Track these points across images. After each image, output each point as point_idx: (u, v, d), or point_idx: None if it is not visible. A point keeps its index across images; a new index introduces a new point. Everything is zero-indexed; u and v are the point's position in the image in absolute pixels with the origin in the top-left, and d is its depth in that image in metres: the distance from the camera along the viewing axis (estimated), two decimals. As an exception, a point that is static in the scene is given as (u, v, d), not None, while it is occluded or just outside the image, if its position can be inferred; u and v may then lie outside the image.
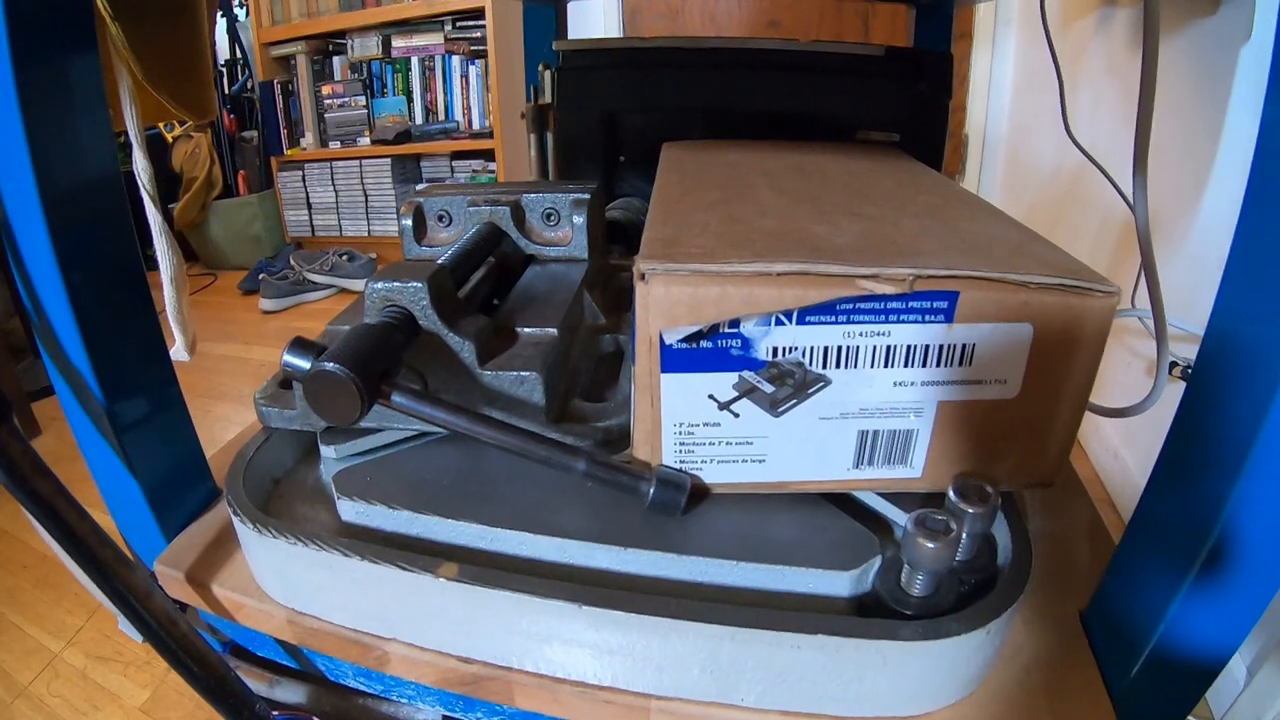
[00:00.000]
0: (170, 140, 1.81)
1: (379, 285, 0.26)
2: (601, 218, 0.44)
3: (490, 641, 0.22)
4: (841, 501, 0.26)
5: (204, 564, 0.29)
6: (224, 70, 1.83)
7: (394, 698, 0.28)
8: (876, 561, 0.22)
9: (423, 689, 0.27)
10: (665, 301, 0.22)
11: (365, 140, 1.71)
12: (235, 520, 0.26)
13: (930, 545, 0.20)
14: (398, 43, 1.61)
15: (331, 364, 0.22)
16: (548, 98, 0.71)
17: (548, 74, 0.71)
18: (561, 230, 0.40)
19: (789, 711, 0.21)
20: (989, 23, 1.32)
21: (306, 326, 1.43)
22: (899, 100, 0.56)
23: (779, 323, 0.22)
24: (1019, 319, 0.22)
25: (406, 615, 0.23)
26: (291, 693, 0.32)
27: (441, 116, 1.67)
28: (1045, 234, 0.26)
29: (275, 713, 0.31)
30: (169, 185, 1.82)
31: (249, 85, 1.80)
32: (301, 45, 1.70)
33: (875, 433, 0.24)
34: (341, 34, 1.66)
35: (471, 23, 1.55)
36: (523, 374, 0.27)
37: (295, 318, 1.63)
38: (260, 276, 1.65)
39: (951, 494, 0.22)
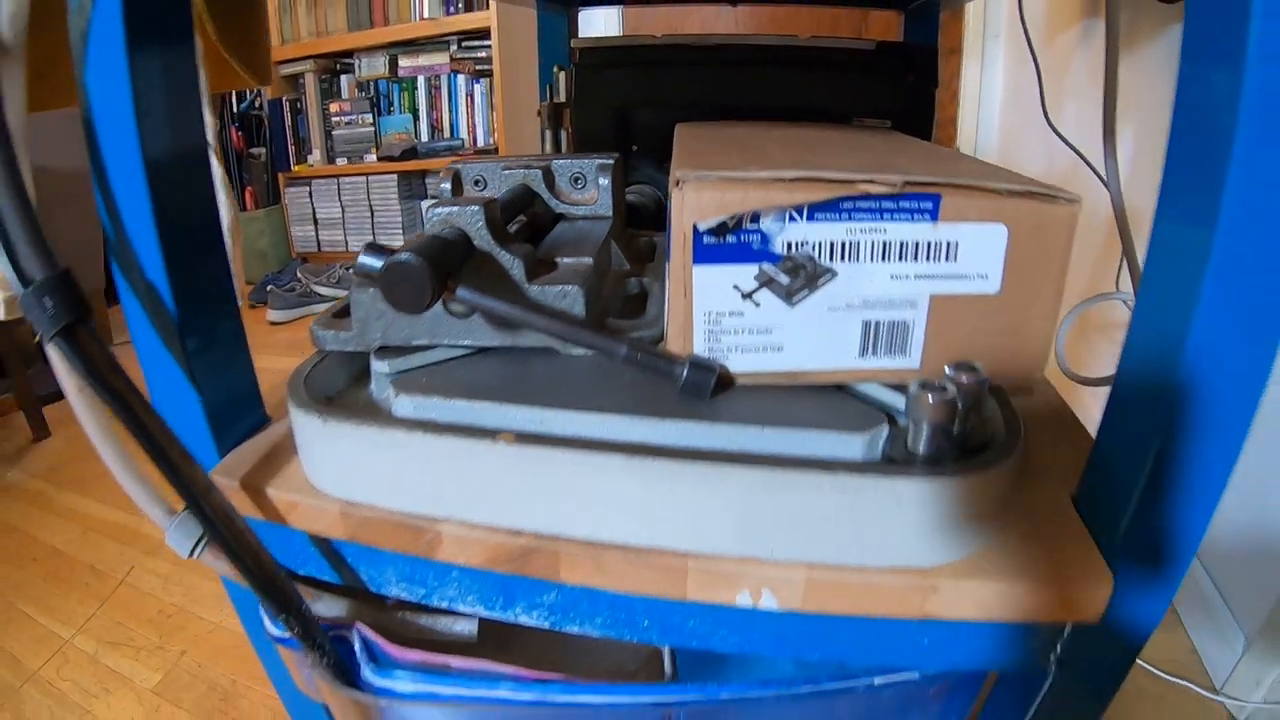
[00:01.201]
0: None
1: (440, 210, 0.30)
2: (623, 184, 0.49)
3: (540, 511, 0.26)
4: (850, 392, 0.29)
5: (257, 472, 0.31)
6: (232, 90, 1.90)
7: (434, 602, 0.31)
8: (885, 429, 0.26)
9: (464, 587, 0.30)
10: (697, 204, 0.26)
11: (372, 157, 1.77)
12: (297, 417, 0.29)
13: (931, 399, 0.24)
14: (404, 62, 1.69)
15: (407, 255, 0.26)
16: (561, 97, 0.77)
17: (562, 75, 0.77)
18: (588, 192, 0.44)
19: (813, 563, 0.24)
20: (978, 37, 1.40)
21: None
22: (890, 90, 0.62)
23: (792, 219, 0.26)
24: (994, 220, 0.26)
25: (461, 491, 0.26)
26: (332, 608, 0.35)
27: (447, 134, 1.74)
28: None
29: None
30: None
31: (257, 104, 1.88)
32: (310, 64, 1.78)
33: (877, 323, 0.28)
34: (349, 53, 1.74)
35: (477, 43, 1.63)
36: (566, 288, 0.31)
37: (302, 329, 1.67)
38: (268, 288, 1.70)
39: (947, 369, 0.26)
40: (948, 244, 0.27)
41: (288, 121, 1.83)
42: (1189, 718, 0.65)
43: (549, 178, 0.44)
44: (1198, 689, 0.67)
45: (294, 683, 0.39)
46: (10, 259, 0.25)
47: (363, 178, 1.76)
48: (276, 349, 1.57)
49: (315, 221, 1.91)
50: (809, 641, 0.27)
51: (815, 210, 0.26)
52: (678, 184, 0.26)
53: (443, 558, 0.27)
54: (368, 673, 0.29)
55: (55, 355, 0.26)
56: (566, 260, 0.34)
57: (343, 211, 1.86)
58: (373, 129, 1.74)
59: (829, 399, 0.28)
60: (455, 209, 0.30)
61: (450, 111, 1.70)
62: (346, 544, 0.31)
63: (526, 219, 0.42)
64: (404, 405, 0.29)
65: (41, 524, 1.03)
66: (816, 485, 0.23)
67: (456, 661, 0.29)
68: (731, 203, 0.26)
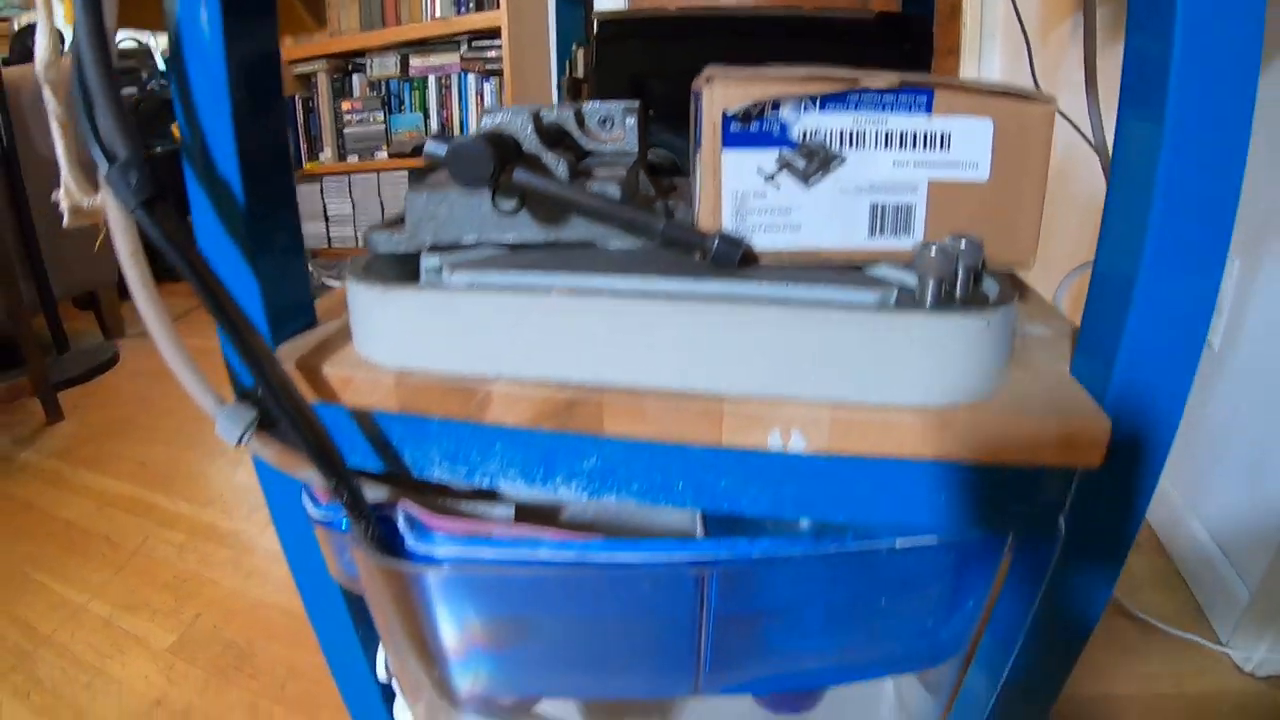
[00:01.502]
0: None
1: (492, 118, 0.34)
2: (646, 128, 0.53)
3: (586, 361, 0.28)
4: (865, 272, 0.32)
5: (312, 356, 0.33)
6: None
7: (476, 480, 0.34)
8: (895, 291, 0.29)
9: (506, 459, 0.32)
10: (725, 95, 0.29)
11: (383, 154, 1.82)
12: (357, 293, 0.32)
13: (933, 253, 0.27)
14: (415, 62, 1.75)
15: (470, 137, 0.29)
16: (580, 72, 0.81)
17: (580, 51, 0.81)
18: (615, 132, 0.48)
19: (836, 401, 0.27)
20: (975, 37, 1.46)
21: None
22: (889, 58, 0.66)
23: (806, 109, 0.30)
24: (981, 114, 0.30)
25: (512, 347, 0.29)
26: (375, 494, 0.37)
27: (457, 132, 1.80)
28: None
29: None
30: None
31: (270, 104, 1.93)
32: (323, 64, 1.83)
33: (883, 206, 0.31)
34: (361, 53, 1.80)
35: (487, 42, 1.68)
36: (605, 185, 0.34)
37: (309, 321, 1.71)
38: (277, 280, 1.73)
39: (949, 238, 0.29)
40: (941, 134, 0.30)
41: (300, 120, 1.88)
42: (1197, 670, 0.67)
43: (580, 119, 0.47)
44: (1204, 642, 0.69)
45: (321, 579, 0.41)
46: (97, 140, 0.28)
47: (374, 174, 1.81)
48: (286, 340, 1.61)
49: (326, 218, 1.95)
50: (832, 500, 0.30)
51: (825, 101, 0.30)
52: (709, 80, 0.30)
53: (491, 419, 0.30)
54: (411, 541, 0.31)
55: (121, 235, 0.29)
56: (603, 170, 0.37)
57: (353, 208, 1.90)
58: (384, 127, 1.80)
59: (845, 274, 0.31)
60: (506, 116, 0.34)
61: (460, 110, 1.76)
62: (394, 421, 0.33)
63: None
64: (459, 279, 0.32)
65: (56, 500, 1.05)
66: (838, 322, 0.26)
67: (498, 529, 0.31)
68: (754, 93, 0.29)
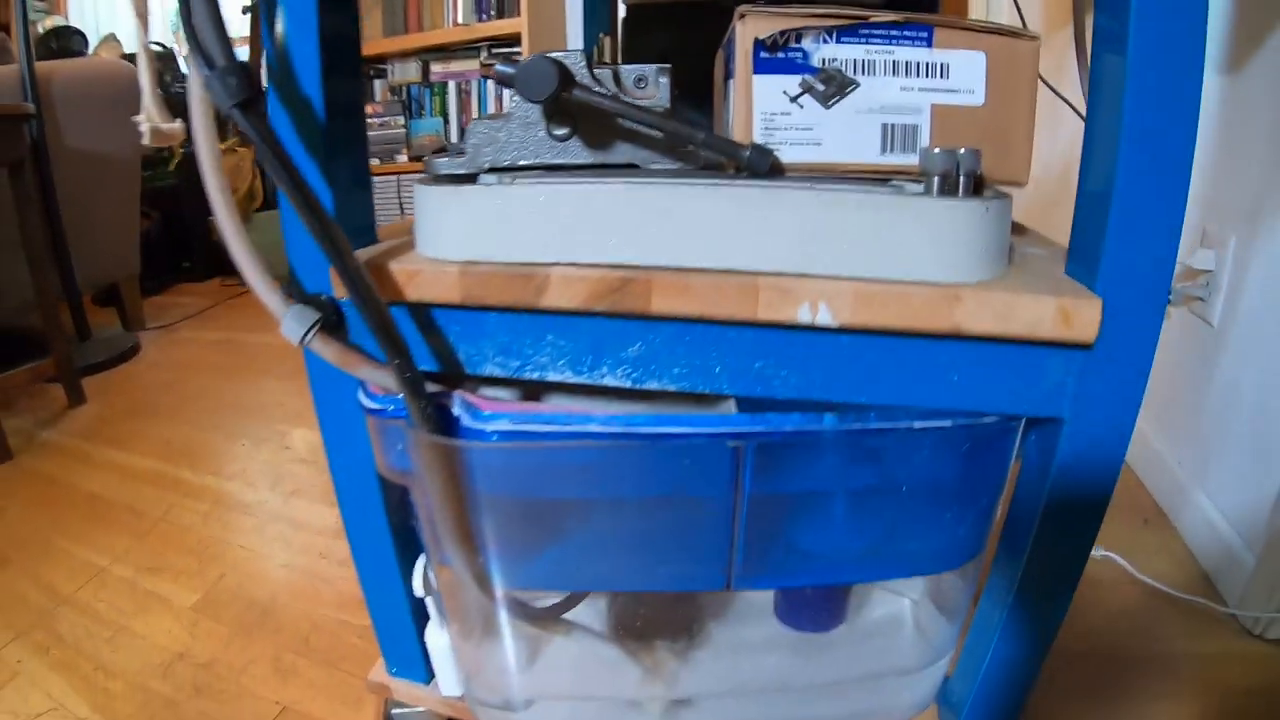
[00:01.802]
0: (213, 159, 1.99)
1: (550, 54, 0.39)
2: (676, 90, 0.58)
3: (637, 244, 0.33)
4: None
5: (379, 257, 0.38)
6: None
7: (527, 374, 0.38)
8: (904, 186, 0.33)
9: (556, 352, 0.36)
10: (755, 27, 0.34)
11: (403, 157, 1.89)
12: (425, 194, 0.36)
13: (938, 153, 0.31)
14: (436, 68, 1.82)
15: (538, 57, 0.34)
16: (606, 59, 0.87)
17: (607, 40, 0.87)
18: (649, 90, 0.53)
19: (859, 277, 0.31)
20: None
21: None
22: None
23: (824, 40, 0.34)
24: (975, 48, 0.35)
25: (570, 234, 0.33)
26: (431, 388, 0.40)
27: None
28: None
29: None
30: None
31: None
32: (347, 71, 1.91)
33: (893, 125, 0.35)
34: (383, 58, 1.88)
35: (507, 49, 1.76)
36: (652, 104, 0.38)
37: (326, 317, 1.76)
38: (296, 277, 1.79)
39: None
40: (941, 64, 0.35)
41: (320, 125, 1.95)
42: (1207, 633, 0.69)
43: (616, 78, 0.52)
44: (1213, 605, 0.71)
45: (363, 486, 0.44)
46: (197, 48, 0.32)
47: (394, 177, 1.88)
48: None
49: (341, 222, 2.02)
50: (856, 381, 0.34)
51: (841, 34, 0.35)
52: (741, 15, 0.35)
53: (548, 303, 0.34)
54: (467, 420, 0.35)
55: (203, 139, 0.33)
56: (645, 102, 0.42)
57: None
58: (404, 131, 1.87)
59: (862, 179, 0.35)
60: (559, 53, 0.38)
61: (480, 115, 1.83)
62: (452, 318, 0.37)
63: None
64: (519, 185, 0.36)
65: (79, 474, 1.09)
66: (857, 205, 0.30)
67: (549, 407, 0.35)
68: (780, 24, 0.34)
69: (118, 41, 2.22)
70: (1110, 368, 0.33)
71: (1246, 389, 0.74)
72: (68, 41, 2.08)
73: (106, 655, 0.72)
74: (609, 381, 0.36)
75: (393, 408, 0.37)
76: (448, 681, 0.52)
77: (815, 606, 0.46)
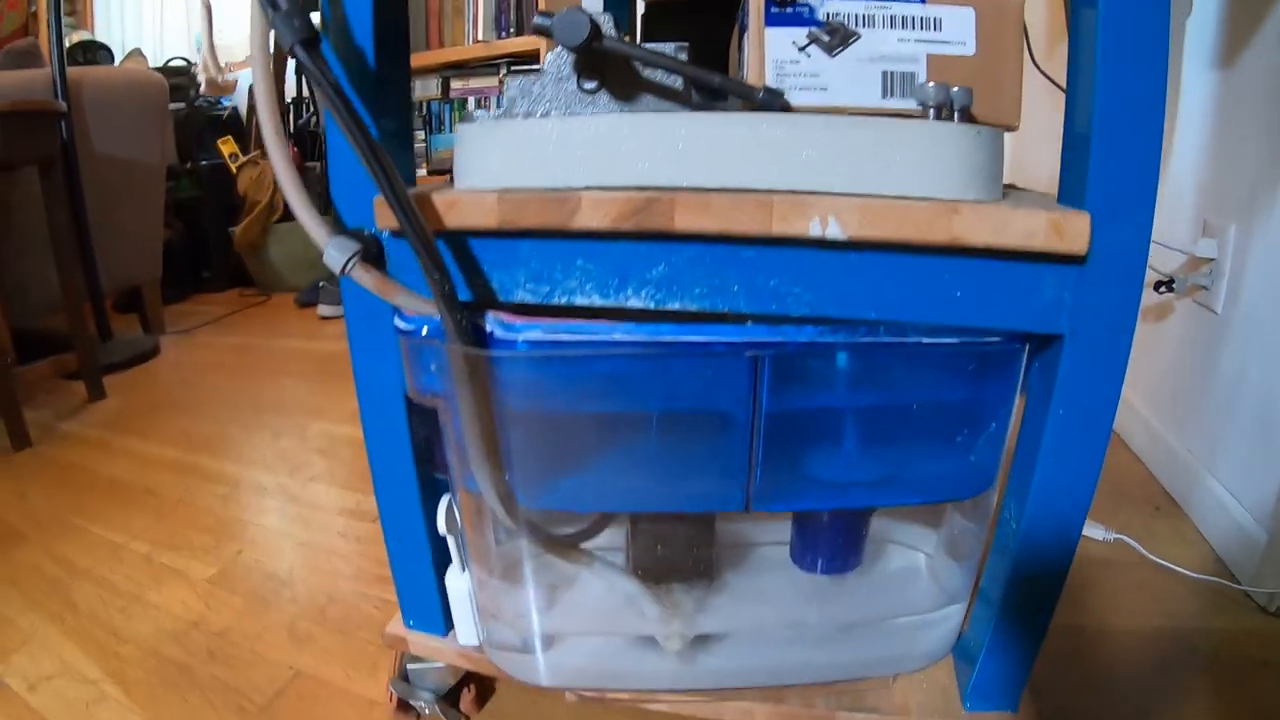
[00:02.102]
0: (235, 170, 2.07)
1: (584, 3, 0.42)
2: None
3: (662, 167, 0.36)
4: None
5: (420, 192, 0.41)
6: (291, 106, 2.12)
7: (555, 299, 0.40)
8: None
9: (584, 276, 0.39)
10: (769, -19, 0.38)
11: (422, 171, 1.96)
12: (467, 129, 0.40)
13: (932, 87, 0.34)
14: (456, 84, 1.90)
15: (574, 9, 0.38)
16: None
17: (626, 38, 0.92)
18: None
19: (865, 193, 0.34)
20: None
21: None
22: None
23: (830, -4, 0.38)
24: (963, 4, 0.38)
25: (599, 160, 0.36)
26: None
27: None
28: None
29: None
30: (233, 209, 2.07)
31: (313, 122, 2.09)
32: (368, 88, 1.99)
33: (892, 73, 0.39)
34: (406, 78, 1.96)
35: (525, 67, 1.83)
36: (676, 54, 0.42)
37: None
38: (320, 284, 1.84)
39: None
40: (934, 19, 0.39)
41: (341, 139, 2.03)
42: (1221, 610, 0.70)
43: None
44: (1227, 583, 0.72)
45: (390, 413, 0.47)
46: None
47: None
48: (327, 338, 1.71)
49: (358, 234, 2.07)
50: (865, 297, 0.36)
51: (845, -11, 0.38)
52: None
53: (579, 224, 0.37)
54: (499, 332, 0.38)
55: (261, 78, 0.37)
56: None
57: (385, 224, 2.03)
58: (424, 145, 1.94)
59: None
60: (593, 11, 0.42)
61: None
62: (487, 246, 0.40)
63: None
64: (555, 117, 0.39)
65: (98, 460, 1.12)
66: (862, 126, 0.33)
67: (578, 321, 0.38)
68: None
69: (143, 56, 2.33)
70: (1104, 282, 0.35)
71: (1252, 372, 0.76)
72: (94, 55, 2.18)
73: (120, 623, 0.73)
74: (634, 303, 0.39)
75: (426, 329, 0.40)
76: (466, 631, 0.54)
77: (831, 549, 0.48)
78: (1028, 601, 0.43)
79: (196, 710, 0.61)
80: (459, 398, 0.38)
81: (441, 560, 0.53)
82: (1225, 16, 0.81)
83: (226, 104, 2.31)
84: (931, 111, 0.35)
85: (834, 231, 0.34)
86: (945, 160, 0.34)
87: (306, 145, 2.10)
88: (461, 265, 0.42)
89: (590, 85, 0.43)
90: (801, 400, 0.38)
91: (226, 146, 2.08)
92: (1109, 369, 0.37)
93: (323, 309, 1.83)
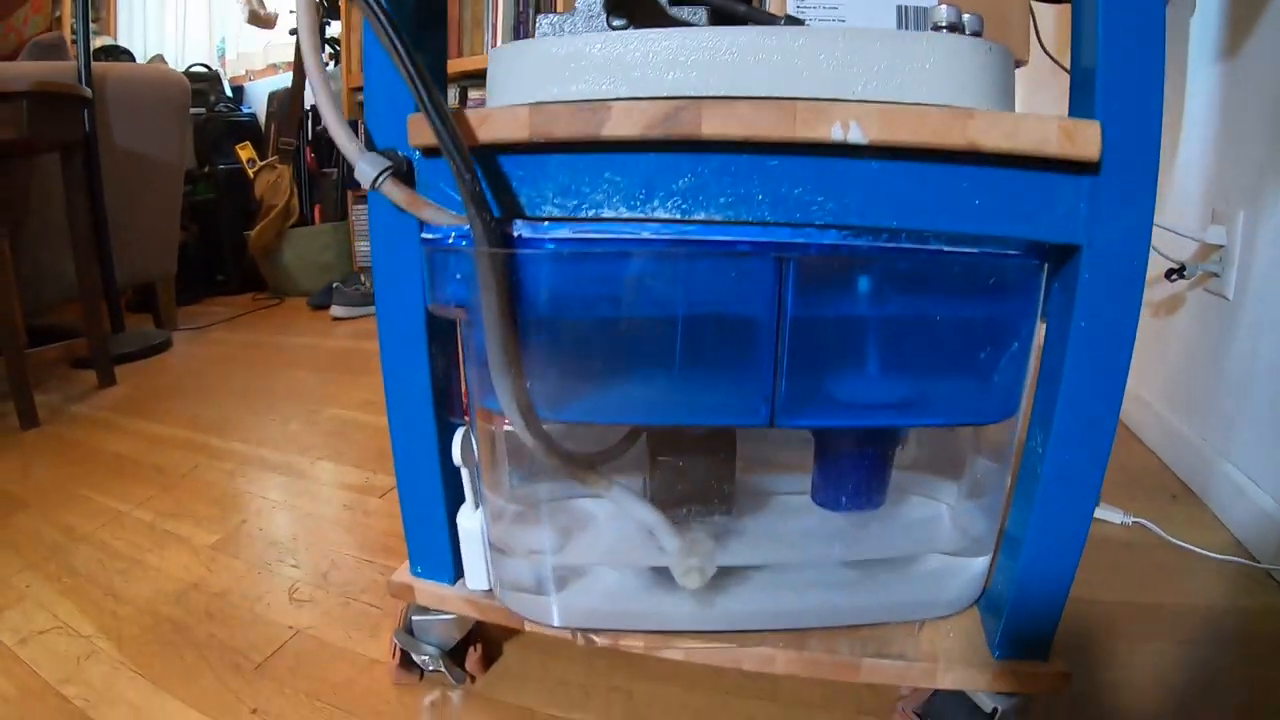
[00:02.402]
0: (252, 175, 2.11)
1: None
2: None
3: (690, 76, 0.37)
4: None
5: (454, 112, 0.43)
6: (309, 113, 2.18)
7: (583, 212, 0.41)
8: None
9: (611, 189, 0.40)
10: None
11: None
12: (498, 53, 0.41)
13: (945, 7, 0.36)
14: (474, 94, 1.95)
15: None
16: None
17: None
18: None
19: (884, 100, 0.35)
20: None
21: (374, 346, 1.61)
22: None
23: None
24: None
25: (629, 71, 0.38)
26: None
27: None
28: None
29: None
30: (249, 214, 2.10)
31: (331, 132, 2.15)
32: (386, 96, 2.04)
33: (907, 7, 0.41)
34: (424, 88, 2.01)
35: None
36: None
37: (365, 327, 1.81)
38: (334, 286, 1.86)
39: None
40: None
41: (362, 141, 2.07)
42: (1245, 590, 0.69)
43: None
44: (1248, 562, 0.71)
45: (413, 326, 0.47)
46: None
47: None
48: (341, 336, 1.73)
49: (372, 239, 2.11)
50: (886, 204, 0.37)
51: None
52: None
53: (609, 131, 0.38)
54: (527, 233, 0.39)
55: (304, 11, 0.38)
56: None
57: (398, 230, 2.07)
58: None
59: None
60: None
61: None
62: (516, 163, 0.41)
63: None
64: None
65: (106, 439, 1.12)
66: (879, 38, 0.35)
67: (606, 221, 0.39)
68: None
69: (164, 62, 2.40)
70: (1118, 193, 0.36)
71: (1265, 353, 0.76)
72: (117, 59, 2.25)
73: (119, 584, 0.73)
74: (660, 215, 0.40)
75: (453, 236, 0.41)
76: (476, 574, 0.53)
77: (853, 484, 0.48)
78: (1056, 536, 0.43)
79: (191, 666, 0.61)
80: (483, 303, 0.39)
81: (453, 502, 0.53)
82: (1227, 11, 0.83)
83: (246, 111, 2.38)
84: (945, 29, 0.36)
85: (855, 135, 0.35)
86: (961, 71, 0.35)
87: (324, 151, 2.15)
88: (490, 182, 0.43)
89: (619, 23, 0.45)
90: (826, 308, 0.38)
91: (244, 152, 2.13)
92: (1128, 280, 0.37)
93: (336, 310, 1.85)
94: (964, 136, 0.35)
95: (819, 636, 0.48)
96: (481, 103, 1.97)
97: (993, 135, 0.35)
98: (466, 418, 0.49)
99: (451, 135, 0.38)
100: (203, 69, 2.33)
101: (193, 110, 1.92)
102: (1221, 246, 0.83)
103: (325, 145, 2.16)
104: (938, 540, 0.49)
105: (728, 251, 0.37)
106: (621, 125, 0.38)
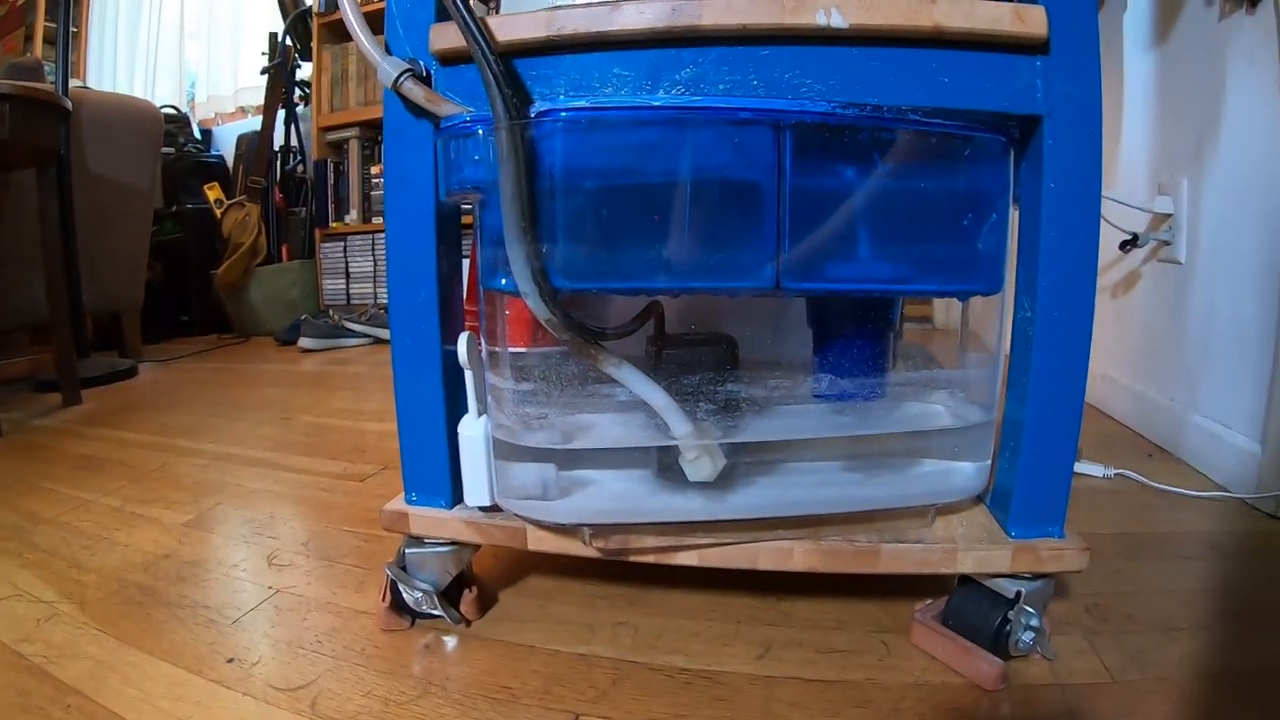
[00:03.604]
0: (219, 214, 2.14)
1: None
2: None
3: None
4: None
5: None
6: (279, 154, 2.23)
7: (594, 102, 0.45)
8: None
9: (619, 81, 0.44)
10: None
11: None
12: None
13: None
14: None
15: None
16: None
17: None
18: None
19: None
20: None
21: (346, 370, 1.63)
22: None
23: None
24: None
25: None
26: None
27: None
28: None
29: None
30: (216, 250, 2.12)
31: (299, 169, 2.20)
32: (355, 130, 2.13)
33: None
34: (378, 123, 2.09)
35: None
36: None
37: (335, 356, 1.81)
38: (303, 318, 1.87)
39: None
40: None
41: (330, 182, 2.14)
42: (1230, 521, 0.72)
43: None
44: (1233, 495, 0.75)
45: (420, 229, 0.50)
46: None
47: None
48: (310, 364, 1.73)
49: (348, 275, 2.14)
50: (868, 84, 0.43)
51: None
52: None
53: (620, 24, 0.43)
54: (545, 105, 0.43)
55: None
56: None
57: (375, 265, 2.10)
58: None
59: None
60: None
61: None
62: (530, 65, 0.46)
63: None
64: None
65: (72, 444, 1.09)
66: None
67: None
68: None
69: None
70: (1067, 67, 0.42)
71: (1222, 306, 0.83)
72: (94, 105, 2.30)
73: (84, 557, 0.70)
74: (661, 100, 0.44)
75: (469, 120, 0.45)
76: (478, 489, 0.53)
77: (852, 368, 0.51)
78: (1055, 394, 0.46)
79: (160, 623, 0.58)
80: (500, 175, 0.42)
81: (453, 420, 0.54)
82: (1156, 5, 0.95)
83: (214, 153, 2.43)
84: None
85: (836, 20, 0.41)
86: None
87: (292, 191, 2.20)
88: (508, 82, 0.47)
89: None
90: (822, 176, 0.43)
91: (212, 192, 2.17)
92: (1086, 139, 0.43)
93: (304, 342, 1.85)
94: (930, 19, 0.41)
95: (835, 527, 0.49)
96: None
97: (954, 16, 0.41)
98: (471, 315, 0.51)
99: (472, 18, 0.42)
100: (172, 110, 2.39)
101: (162, 149, 1.97)
102: (1170, 215, 0.91)
103: (293, 185, 2.21)
104: (940, 420, 0.52)
105: (730, 120, 0.41)
106: (631, 20, 0.43)
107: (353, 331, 1.87)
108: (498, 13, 0.48)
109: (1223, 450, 0.80)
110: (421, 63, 0.49)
